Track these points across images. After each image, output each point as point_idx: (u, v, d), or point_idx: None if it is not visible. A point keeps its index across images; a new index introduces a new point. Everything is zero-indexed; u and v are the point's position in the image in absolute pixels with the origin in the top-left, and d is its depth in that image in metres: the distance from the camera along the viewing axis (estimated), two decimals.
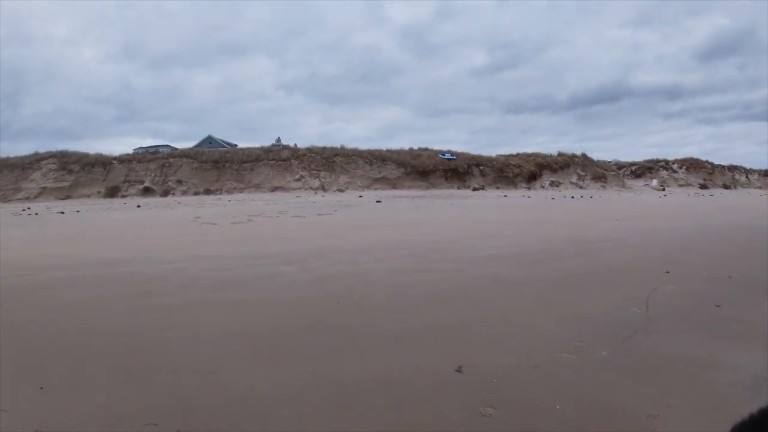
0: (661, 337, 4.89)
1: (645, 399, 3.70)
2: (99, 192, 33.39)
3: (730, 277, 7.30)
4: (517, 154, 36.87)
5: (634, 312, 5.53)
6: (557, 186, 33.73)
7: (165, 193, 32.91)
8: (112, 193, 33.34)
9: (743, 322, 5.43)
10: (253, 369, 4.00)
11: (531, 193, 30.01)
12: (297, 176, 33.99)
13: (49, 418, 3.07)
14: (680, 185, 39.39)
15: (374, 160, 34.12)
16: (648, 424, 3.39)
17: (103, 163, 36.14)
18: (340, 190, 30.65)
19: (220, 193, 31.88)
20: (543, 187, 33.57)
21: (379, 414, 3.37)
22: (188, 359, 4.16)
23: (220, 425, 3.14)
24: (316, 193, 30.18)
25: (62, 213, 19.22)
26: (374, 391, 3.68)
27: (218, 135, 53.77)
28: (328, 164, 34.35)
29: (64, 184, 35.03)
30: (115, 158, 37.46)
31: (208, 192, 32.24)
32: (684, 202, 26.23)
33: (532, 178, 34.46)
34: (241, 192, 32.50)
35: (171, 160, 36.46)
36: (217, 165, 35.54)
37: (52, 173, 35.36)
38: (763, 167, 47.00)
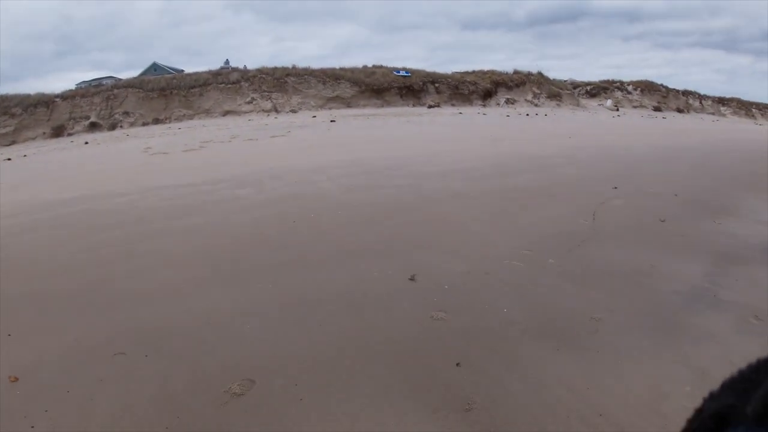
0: (606, 247, 5.06)
1: (588, 303, 3.87)
2: (45, 133, 31.63)
3: (676, 194, 7.52)
4: (473, 72, 36.48)
5: (582, 224, 5.69)
6: (513, 104, 33.73)
7: (112, 127, 31.52)
8: (58, 132, 31.64)
9: (686, 236, 5.65)
10: (215, 290, 4.03)
11: (486, 110, 29.94)
12: (248, 99, 32.88)
13: (21, 364, 3.03)
14: (634, 107, 39.78)
15: (327, 79, 33.20)
16: (590, 326, 3.56)
17: (45, 102, 33.93)
18: (293, 111, 29.93)
19: (170, 122, 30.69)
20: (498, 104, 33.52)
21: (337, 321, 3.50)
22: (151, 287, 4.14)
23: (187, 346, 3.19)
24: (268, 115, 29.38)
25: (9, 160, 18.26)
26: (332, 301, 3.78)
27: (163, 62, 51.04)
28: (280, 85, 33.24)
29: (8, 129, 32.95)
30: (57, 96, 35.19)
31: (157, 121, 31.02)
32: (636, 123, 26.63)
33: (487, 95, 34.30)
34: (191, 119, 31.31)
35: (116, 91, 34.54)
36: (164, 93, 33.85)
37: None
38: (718, 94, 47.66)
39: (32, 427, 2.48)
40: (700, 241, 5.59)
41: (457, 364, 3.03)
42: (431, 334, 3.34)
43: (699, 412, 0.51)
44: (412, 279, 4.09)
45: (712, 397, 0.51)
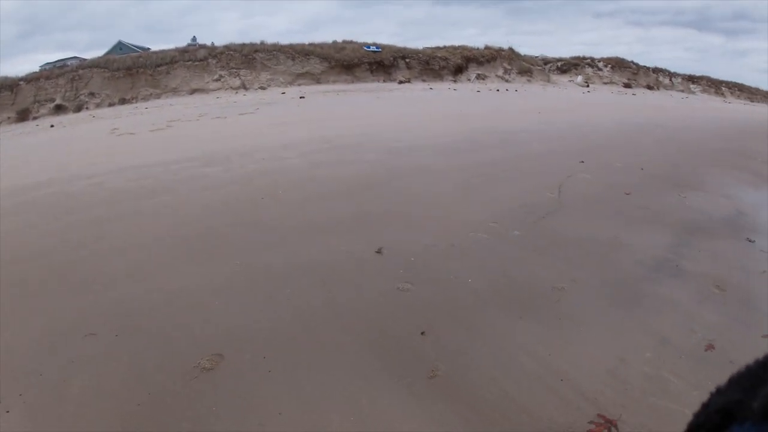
0: (571, 219, 5.11)
1: (552, 273, 3.91)
2: (9, 118, 30.52)
3: (642, 168, 7.62)
4: (444, 47, 36.27)
5: (548, 197, 5.74)
6: (483, 79, 33.68)
7: (78, 109, 30.61)
8: (23, 116, 30.56)
9: (650, 209, 5.73)
10: (184, 269, 4.00)
11: (457, 86, 29.88)
12: (216, 76, 32.24)
13: None
14: (604, 83, 40.01)
15: (297, 55, 32.70)
16: (553, 295, 3.60)
17: (9, 86, 32.64)
18: (262, 88, 29.53)
19: (137, 102, 29.89)
20: (469, 80, 33.44)
21: (305, 293, 3.52)
22: (121, 268, 4.08)
23: (157, 324, 3.17)
24: (236, 92, 28.90)
25: None
26: (300, 275, 3.79)
27: (129, 40, 49.31)
28: (248, 62, 32.64)
29: None
30: (21, 79, 33.84)
31: (123, 102, 30.21)
32: (606, 99, 26.83)
33: (458, 71, 34.18)
34: (159, 98, 30.54)
35: (81, 72, 33.35)
36: (131, 72, 32.81)
37: None
38: (689, 73, 48.13)
39: (7, 411, 2.46)
40: (665, 213, 5.68)
41: (422, 333, 3.06)
42: (397, 305, 3.36)
43: (705, 407, 0.51)
44: (378, 252, 4.10)
45: (719, 392, 0.51)
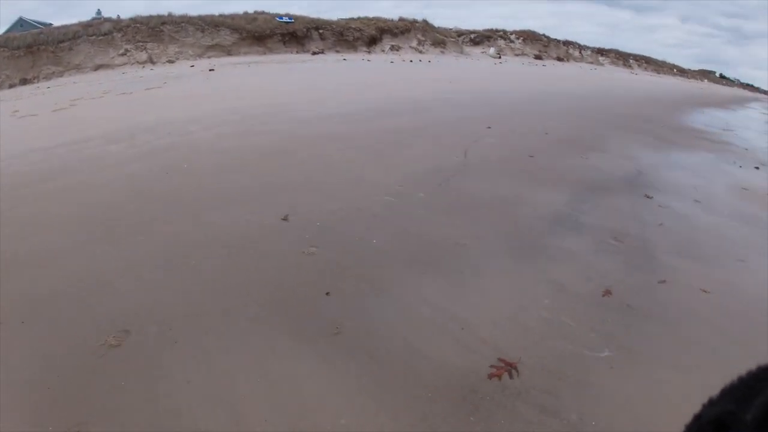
0: (475, 180, 5.24)
1: (455, 231, 4.01)
2: None
3: (546, 133, 7.87)
4: (359, 18, 35.99)
5: (454, 161, 5.85)
6: (397, 50, 33.72)
7: None
8: None
9: (552, 169, 5.95)
10: (90, 249, 3.82)
11: (371, 57, 29.80)
12: (121, 51, 30.59)
13: None
14: (516, 55, 40.84)
15: (206, 27, 31.53)
16: (455, 251, 3.71)
17: None
18: (170, 62, 28.43)
19: (38, 81, 27.93)
20: (383, 51, 33.39)
21: (212, 264, 3.45)
22: (26, 253, 3.84)
23: (62, 307, 3.04)
24: (143, 66, 27.61)
25: None
26: (206, 246, 3.73)
27: (30, 15, 46.41)
28: (156, 35, 31.16)
29: None
30: None
31: (25, 82, 28.15)
32: (517, 70, 27.43)
33: (372, 42, 34.04)
34: (61, 76, 28.66)
35: None
36: (31, 50, 30.54)
37: None
38: (599, 46, 49.80)
39: None
40: (566, 173, 5.91)
41: (327, 294, 3.08)
42: (302, 269, 3.37)
43: (698, 418, 0.50)
44: (285, 219, 4.07)
45: (711, 403, 0.51)
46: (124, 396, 2.35)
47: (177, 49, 32.26)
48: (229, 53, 32.08)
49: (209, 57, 30.62)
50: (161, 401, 2.32)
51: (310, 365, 2.55)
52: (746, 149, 9.04)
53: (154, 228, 4.12)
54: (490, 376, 2.65)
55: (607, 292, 3.58)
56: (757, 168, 7.63)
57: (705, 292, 3.77)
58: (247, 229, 3.93)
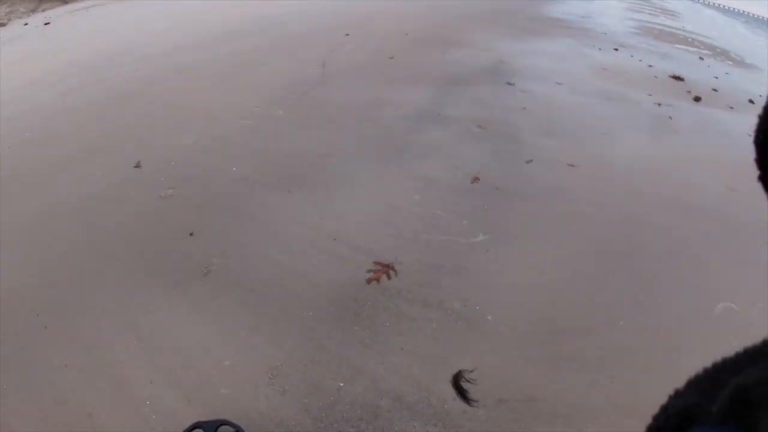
0: (335, 89, 5.09)
1: (317, 143, 3.90)
2: None
3: (406, 34, 7.73)
4: None
5: (311, 73, 5.63)
6: None
7: None
8: None
9: (413, 68, 5.87)
10: None
11: None
12: None
13: None
14: None
15: None
16: (319, 163, 3.60)
17: None
18: (2, 24, 25.51)
19: None
20: None
21: (66, 234, 3.13)
22: None
23: None
24: None
25: None
26: (57, 217, 3.37)
27: None
28: None
29: None
30: None
31: None
32: None
33: None
34: None
35: None
36: None
37: None
38: None
39: None
40: (427, 71, 5.86)
41: (191, 234, 2.91)
42: (162, 213, 3.16)
43: (664, 409, 0.50)
44: (137, 166, 3.77)
45: (677, 394, 0.50)
46: (8, 401, 2.13)
47: (7, 9, 28.97)
48: (64, 1, 29.26)
49: (44, 10, 27.78)
50: (45, 394, 2.13)
51: (185, 313, 2.44)
52: (605, 33, 9.31)
53: (3, 207, 3.72)
54: (369, 281, 2.63)
55: (476, 179, 3.63)
56: (616, 49, 7.91)
57: (572, 166, 3.89)
58: (100, 184, 3.59)
